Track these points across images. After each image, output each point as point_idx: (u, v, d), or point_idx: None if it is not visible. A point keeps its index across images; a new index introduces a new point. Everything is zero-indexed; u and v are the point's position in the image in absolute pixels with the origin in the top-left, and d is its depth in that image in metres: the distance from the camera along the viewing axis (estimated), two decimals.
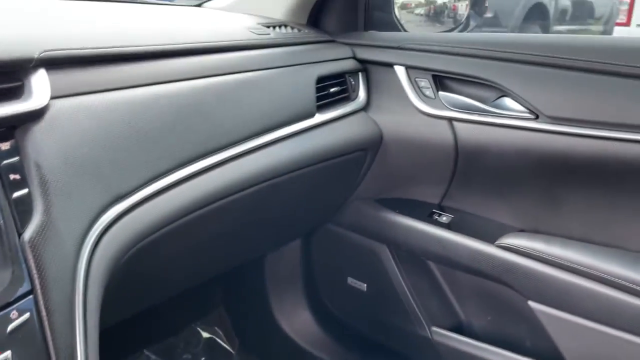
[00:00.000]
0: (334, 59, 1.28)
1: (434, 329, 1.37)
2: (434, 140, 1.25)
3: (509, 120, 1.15)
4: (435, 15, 1.60)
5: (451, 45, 1.24)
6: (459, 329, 1.38)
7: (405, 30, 1.47)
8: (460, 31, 1.51)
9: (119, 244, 0.76)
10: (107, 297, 0.77)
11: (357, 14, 1.43)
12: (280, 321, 1.63)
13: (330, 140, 1.19)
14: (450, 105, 1.22)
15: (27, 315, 0.60)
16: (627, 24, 5.48)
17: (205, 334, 1.69)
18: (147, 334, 1.55)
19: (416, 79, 1.26)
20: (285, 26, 1.28)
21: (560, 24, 6.29)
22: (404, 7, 1.59)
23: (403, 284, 1.40)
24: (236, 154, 0.97)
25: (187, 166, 0.88)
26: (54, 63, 0.73)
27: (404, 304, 1.41)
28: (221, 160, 0.94)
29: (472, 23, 1.61)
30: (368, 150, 1.30)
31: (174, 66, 0.92)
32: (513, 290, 1.18)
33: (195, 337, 1.68)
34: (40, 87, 0.68)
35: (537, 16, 5.79)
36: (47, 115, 0.69)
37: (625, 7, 5.51)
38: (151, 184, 0.82)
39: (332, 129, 1.21)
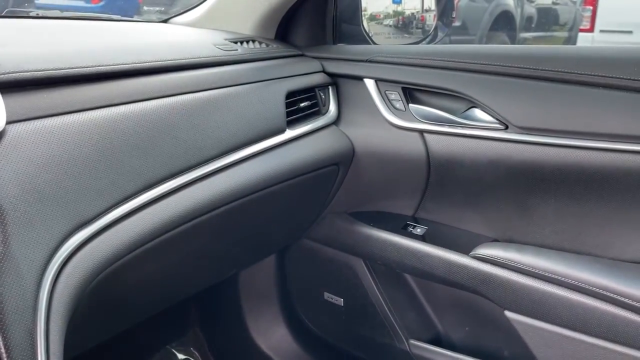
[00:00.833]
0: (304, 73, 1.27)
1: (412, 342, 1.37)
2: (405, 153, 1.25)
3: (479, 131, 1.16)
4: (404, 27, 1.61)
5: (420, 57, 1.24)
6: (437, 341, 1.37)
7: (374, 43, 1.48)
8: (429, 42, 1.52)
9: (83, 272, 0.73)
10: (74, 326, 0.74)
11: (325, 27, 1.42)
12: (257, 339, 1.61)
13: (301, 156, 1.18)
14: (420, 117, 1.23)
15: None
16: (591, 30, 5.63)
17: (180, 356, 1.65)
18: (121, 359, 1.51)
19: (386, 92, 1.26)
20: (253, 41, 1.27)
21: (527, 31, 6.44)
22: (372, 18, 1.60)
23: (380, 297, 1.39)
24: (205, 173, 0.95)
25: (154, 187, 0.86)
26: (10, 86, 0.71)
27: (381, 317, 1.40)
28: (190, 180, 0.92)
29: (440, 34, 1.62)
30: (340, 165, 1.29)
31: (137, 85, 0.90)
32: (489, 300, 1.18)
33: (170, 359, 1.64)
34: None
35: (504, 24, 5.92)
36: (3, 142, 0.66)
37: (588, 14, 5.67)
38: (117, 207, 0.80)
39: (303, 144, 1.20)
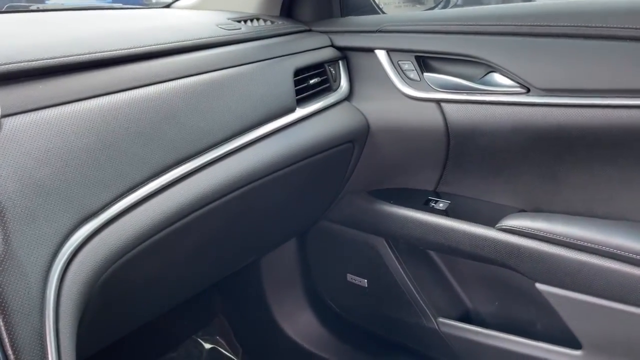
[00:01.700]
0: (311, 48, 1.22)
1: (441, 320, 1.33)
2: (423, 125, 1.20)
3: (500, 97, 1.10)
4: None
5: (432, 23, 1.19)
6: (467, 318, 1.34)
7: (383, 13, 1.42)
8: (442, 8, 1.46)
9: (91, 267, 0.70)
10: (88, 323, 0.72)
11: (332, 0, 1.37)
12: (282, 324, 1.59)
13: (314, 135, 1.14)
14: (436, 86, 1.17)
15: None
16: None
17: (207, 345, 1.65)
18: (145, 351, 1.50)
19: (399, 62, 1.21)
20: (258, 19, 1.22)
21: None
22: None
23: (405, 276, 1.35)
24: (214, 158, 0.92)
25: (161, 175, 0.83)
26: (3, 78, 0.68)
27: (407, 297, 1.37)
28: (199, 165, 0.89)
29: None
30: (355, 142, 1.24)
31: (138, 71, 0.86)
32: (519, 273, 1.13)
33: (197, 348, 1.63)
34: None
35: None
36: (0, 136, 0.64)
37: None
38: (124, 197, 0.77)
39: (315, 123, 1.15)
